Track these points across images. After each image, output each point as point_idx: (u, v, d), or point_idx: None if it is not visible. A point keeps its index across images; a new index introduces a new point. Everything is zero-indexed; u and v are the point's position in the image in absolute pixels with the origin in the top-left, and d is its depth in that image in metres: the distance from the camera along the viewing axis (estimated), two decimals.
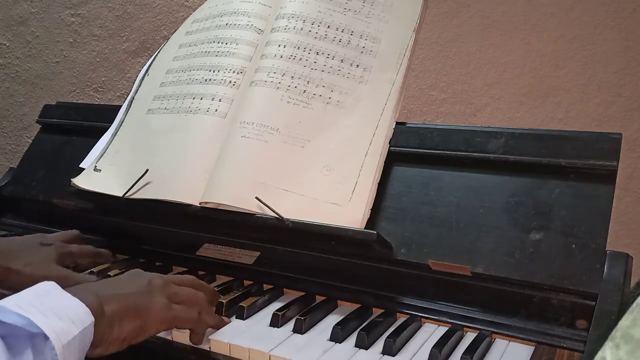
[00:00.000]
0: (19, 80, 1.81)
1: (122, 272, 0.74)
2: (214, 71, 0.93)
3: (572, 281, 0.67)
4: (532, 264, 0.69)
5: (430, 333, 0.71)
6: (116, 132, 0.98)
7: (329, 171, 0.81)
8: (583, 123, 1.30)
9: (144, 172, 0.88)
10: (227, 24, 0.96)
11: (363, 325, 0.71)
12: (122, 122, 0.99)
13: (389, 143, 0.82)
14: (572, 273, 0.67)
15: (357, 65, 0.87)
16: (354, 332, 0.70)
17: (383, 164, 0.80)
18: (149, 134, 0.94)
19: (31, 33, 1.77)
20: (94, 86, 1.73)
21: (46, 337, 0.50)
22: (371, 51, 0.87)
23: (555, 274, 0.68)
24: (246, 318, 0.74)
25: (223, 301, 0.75)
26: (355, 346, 0.68)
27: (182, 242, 0.92)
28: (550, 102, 1.33)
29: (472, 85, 1.39)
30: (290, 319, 0.72)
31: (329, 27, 0.88)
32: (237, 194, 0.80)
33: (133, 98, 1.01)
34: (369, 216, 0.77)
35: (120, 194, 0.88)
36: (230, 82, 0.91)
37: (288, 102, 0.85)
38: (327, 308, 0.77)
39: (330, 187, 0.79)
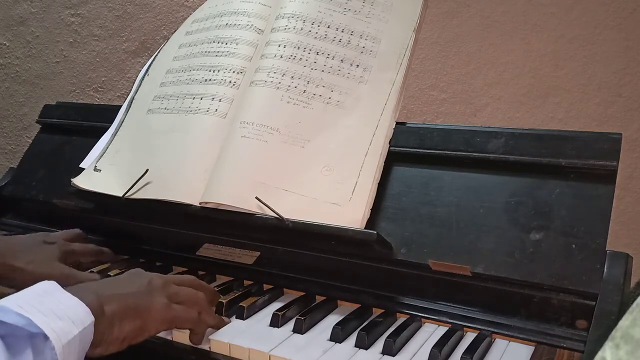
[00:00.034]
0: (19, 80, 1.81)
1: (122, 272, 0.74)
2: (214, 71, 0.93)
3: (572, 281, 0.67)
4: (532, 264, 0.69)
5: (430, 333, 0.71)
6: (116, 132, 0.98)
7: (329, 171, 0.81)
8: (583, 123, 1.30)
9: (144, 172, 0.88)
10: (227, 24, 0.96)
11: (363, 325, 0.71)
12: (122, 122, 0.99)
13: (389, 143, 0.82)
14: (572, 273, 0.67)
15: (357, 65, 0.87)
16: (354, 332, 0.70)
17: (383, 164, 0.80)
18: (149, 134, 0.94)
19: (31, 33, 1.77)
20: (94, 86, 1.73)
21: (46, 337, 0.50)
22: (371, 51, 0.87)
23: (555, 274, 0.68)
24: (246, 318, 0.74)
25: (223, 301, 0.75)
26: (355, 346, 0.68)
27: (182, 242, 0.92)
28: (550, 102, 1.33)
29: (472, 85, 1.39)
30: (290, 319, 0.72)
31: (329, 27, 0.88)
32: (237, 194, 0.80)
33: (133, 98, 1.01)
34: (369, 216, 0.77)
35: (120, 194, 0.88)
36: (230, 82, 0.91)
37: (288, 102, 0.85)
38: (327, 308, 0.77)
39: (330, 187, 0.79)
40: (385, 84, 0.85)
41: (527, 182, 0.74)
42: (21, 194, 1.08)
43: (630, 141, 1.27)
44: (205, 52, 0.96)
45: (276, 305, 0.77)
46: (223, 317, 0.73)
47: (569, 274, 0.67)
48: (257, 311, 0.76)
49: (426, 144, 0.81)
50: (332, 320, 0.73)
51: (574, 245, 0.68)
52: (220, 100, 0.90)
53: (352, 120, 0.84)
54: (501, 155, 0.76)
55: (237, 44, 0.94)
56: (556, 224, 0.70)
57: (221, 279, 0.87)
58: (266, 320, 0.73)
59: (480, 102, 1.38)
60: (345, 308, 0.78)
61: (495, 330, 0.70)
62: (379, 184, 0.79)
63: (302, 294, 0.80)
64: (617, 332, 0.39)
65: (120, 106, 1.03)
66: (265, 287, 0.83)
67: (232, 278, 0.86)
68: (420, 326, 0.73)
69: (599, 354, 0.39)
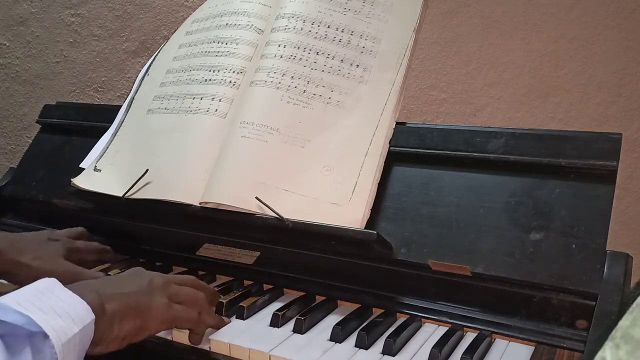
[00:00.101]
0: (19, 80, 1.81)
1: (123, 272, 0.74)
2: (214, 71, 0.93)
3: (572, 281, 0.67)
4: (532, 264, 0.69)
5: (430, 333, 0.71)
6: (116, 132, 0.98)
7: (329, 171, 0.81)
8: (583, 123, 1.30)
9: (144, 172, 0.88)
10: (227, 24, 0.96)
11: (363, 325, 0.71)
12: (122, 122, 0.99)
13: (389, 143, 0.82)
14: (572, 273, 0.67)
15: (357, 65, 0.87)
16: (354, 332, 0.70)
17: (383, 164, 0.80)
18: (149, 134, 0.94)
19: (31, 33, 1.77)
20: (94, 86, 1.73)
21: (46, 336, 0.49)
22: (371, 51, 0.87)
23: (555, 274, 0.68)
24: (246, 318, 0.74)
25: (223, 301, 0.75)
26: (355, 346, 0.68)
27: (182, 242, 0.92)
28: (550, 102, 1.33)
29: (472, 85, 1.39)
30: (290, 319, 0.72)
31: (329, 27, 0.89)
32: (237, 194, 0.80)
33: (133, 98, 1.01)
34: (369, 216, 0.77)
35: (120, 194, 0.88)
36: (230, 82, 0.91)
37: (288, 102, 0.85)
38: (327, 308, 0.77)
39: (330, 187, 0.79)
40: (385, 84, 0.85)
41: (527, 182, 0.74)
42: (21, 194, 1.08)
43: (630, 141, 1.27)
44: (205, 52, 0.96)
45: (276, 305, 0.77)
46: (223, 317, 0.73)
47: (569, 274, 0.67)
48: (257, 311, 0.76)
49: (426, 144, 0.81)
50: (332, 320, 0.73)
51: (574, 245, 0.68)
52: (220, 100, 0.90)
53: (352, 120, 0.84)
54: (501, 155, 0.76)
55: (237, 44, 0.94)
56: (556, 224, 0.70)
57: (221, 279, 0.87)
58: (266, 320, 0.73)
59: (480, 102, 1.38)
60: (345, 308, 0.78)
61: (495, 330, 0.70)
62: (379, 184, 0.79)
63: (302, 294, 0.80)
64: (617, 332, 0.39)
65: (120, 106, 1.03)
66: (265, 287, 0.83)
67: (232, 278, 0.86)
68: (420, 326, 0.73)
69: (599, 354, 0.39)
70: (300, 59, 0.87)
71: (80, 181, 0.93)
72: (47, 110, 1.17)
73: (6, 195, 1.10)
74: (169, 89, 0.97)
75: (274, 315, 0.72)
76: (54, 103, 1.19)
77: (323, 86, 0.86)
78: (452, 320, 0.72)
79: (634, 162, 1.28)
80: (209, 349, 0.68)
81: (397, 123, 0.83)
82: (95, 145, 1.01)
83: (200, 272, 0.88)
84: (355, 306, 0.77)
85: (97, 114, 1.09)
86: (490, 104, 1.38)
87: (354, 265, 0.79)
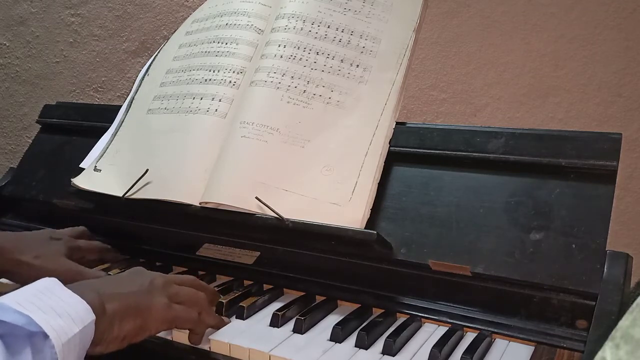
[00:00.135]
0: (19, 80, 1.81)
1: (123, 272, 0.74)
2: (214, 71, 0.93)
3: (572, 281, 0.67)
4: (532, 264, 0.69)
5: (430, 333, 0.71)
6: (116, 132, 0.98)
7: (329, 171, 0.81)
8: (583, 123, 1.30)
9: (144, 172, 0.88)
10: (227, 24, 0.96)
11: (363, 325, 0.71)
12: (122, 122, 0.99)
13: (389, 143, 0.82)
14: (572, 273, 0.67)
15: (357, 65, 0.87)
16: (354, 332, 0.70)
17: (383, 164, 0.80)
18: (149, 134, 0.94)
19: (31, 33, 1.77)
20: (94, 86, 1.73)
21: (46, 336, 0.49)
22: (371, 51, 0.87)
23: (555, 274, 0.68)
24: (246, 318, 0.74)
25: (223, 301, 0.75)
26: (355, 346, 0.68)
27: (182, 242, 0.92)
28: (550, 102, 1.33)
29: (472, 85, 1.39)
30: (290, 319, 0.72)
31: (329, 27, 0.89)
32: (237, 194, 0.80)
33: (133, 98, 1.01)
34: (369, 216, 0.77)
35: (120, 194, 0.88)
36: (230, 82, 0.91)
37: (288, 102, 0.85)
38: (327, 308, 0.77)
39: (330, 187, 0.79)
40: (385, 84, 0.85)
41: (527, 182, 0.74)
42: (21, 194, 1.08)
43: (630, 141, 1.27)
44: (205, 52, 0.96)
45: (276, 305, 0.77)
46: (223, 317, 0.73)
47: (569, 274, 0.67)
48: (257, 311, 0.76)
49: (426, 144, 0.81)
50: (332, 320, 0.73)
51: (574, 245, 0.68)
52: (220, 100, 0.90)
53: (352, 120, 0.84)
54: (501, 155, 0.76)
55: (237, 44, 0.94)
56: (556, 224, 0.70)
57: (221, 279, 0.87)
58: (266, 320, 0.73)
59: (480, 102, 1.38)
60: (345, 308, 0.78)
61: (495, 330, 0.70)
62: (379, 184, 0.79)
63: (302, 294, 0.80)
64: (617, 332, 0.39)
65: (120, 106, 1.03)
66: (265, 287, 0.83)
67: (232, 278, 0.86)
68: (420, 326, 0.73)
69: (599, 354, 0.39)
70: (300, 59, 0.87)
71: (80, 181, 0.93)
72: (47, 110, 1.17)
73: (6, 195, 1.10)
74: (169, 89, 0.97)
75: (274, 315, 0.72)
76: (54, 103, 1.19)
77: (323, 86, 0.86)
78: (452, 320, 0.72)
79: (634, 162, 1.28)
80: (209, 349, 0.68)
81: (397, 123, 0.83)
82: (95, 145, 1.01)
83: (200, 272, 0.88)
84: (355, 306, 0.77)
85: (97, 114, 1.09)
86: (490, 104, 1.38)
87: (354, 265, 0.79)
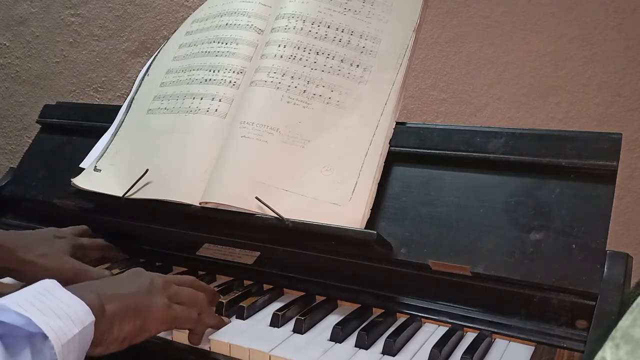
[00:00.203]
0: (19, 80, 1.81)
1: (123, 272, 0.74)
2: (214, 71, 0.93)
3: (572, 281, 0.67)
4: (532, 264, 0.69)
5: (430, 333, 0.71)
6: (116, 132, 0.98)
7: (329, 171, 0.81)
8: (583, 123, 1.30)
9: (144, 172, 0.88)
10: (227, 24, 0.96)
11: (363, 325, 0.71)
12: (122, 122, 0.99)
13: (389, 143, 0.82)
14: (572, 273, 0.67)
15: (357, 65, 0.87)
16: (354, 332, 0.70)
17: (383, 164, 0.80)
18: (149, 134, 0.94)
19: (31, 33, 1.77)
20: (94, 86, 1.73)
21: (45, 337, 0.49)
22: (371, 51, 0.87)
23: (555, 274, 0.68)
24: (246, 318, 0.74)
25: (223, 301, 0.75)
26: (355, 346, 0.68)
27: (182, 242, 0.92)
28: (550, 102, 1.33)
29: (472, 85, 1.39)
30: (290, 319, 0.72)
31: (329, 27, 0.88)
32: (237, 194, 0.80)
33: (133, 98, 1.01)
34: (369, 216, 0.77)
35: (120, 194, 0.88)
36: (230, 82, 0.91)
37: (288, 102, 0.85)
38: (327, 308, 0.77)
39: (330, 187, 0.79)
40: (385, 84, 0.85)
41: (527, 182, 0.74)
42: (21, 194, 1.08)
43: (630, 141, 1.27)
44: (205, 52, 0.96)
45: (276, 305, 0.77)
46: (223, 317, 0.73)
47: (569, 274, 0.67)
48: (257, 311, 0.76)
49: (426, 144, 0.81)
50: (332, 320, 0.73)
51: (574, 245, 0.68)
52: (220, 100, 0.90)
53: (352, 120, 0.84)
54: (501, 155, 0.76)
55: (237, 44, 0.94)
56: (556, 224, 0.70)
57: (221, 279, 0.87)
58: (266, 320, 0.73)
59: (480, 102, 1.38)
60: (345, 308, 0.78)
61: (495, 330, 0.70)
62: (379, 184, 0.79)
63: (302, 294, 0.80)
64: (617, 332, 0.39)
65: (120, 106, 1.03)
66: (265, 287, 0.83)
67: (232, 278, 0.86)
68: (420, 326, 0.73)
69: (599, 354, 0.39)
70: (300, 59, 0.87)
71: (80, 181, 0.93)
72: (47, 110, 1.17)
73: (6, 195, 1.10)
74: (169, 89, 0.97)
75: (274, 315, 0.72)
76: (54, 103, 1.19)
77: (323, 86, 0.86)
78: (452, 320, 0.72)
79: (634, 162, 1.28)
80: (209, 349, 0.68)
81: (397, 123, 0.83)
82: (95, 145, 1.01)
83: (200, 272, 0.88)
84: (355, 306, 0.77)
85: (97, 114, 1.09)
86: (490, 104, 1.38)
87: (354, 265, 0.79)
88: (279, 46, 0.88)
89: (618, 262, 0.66)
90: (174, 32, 1.06)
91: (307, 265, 0.82)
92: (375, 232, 0.73)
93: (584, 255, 0.68)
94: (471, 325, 0.71)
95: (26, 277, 0.78)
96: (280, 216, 0.76)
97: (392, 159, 0.81)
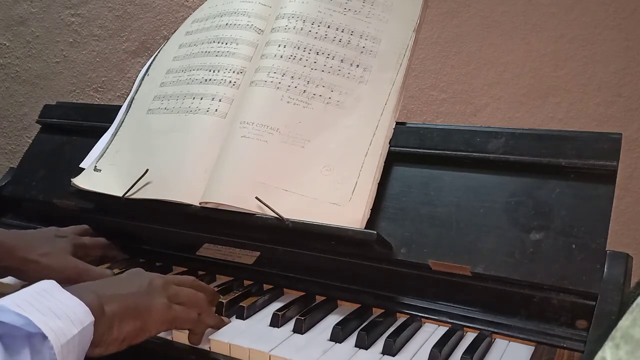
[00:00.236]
0: (19, 80, 1.81)
1: (122, 272, 0.74)
2: (214, 71, 0.93)
3: (572, 281, 0.67)
4: (532, 264, 0.69)
5: (430, 333, 0.71)
6: (116, 132, 0.98)
7: (329, 171, 0.81)
8: (583, 123, 1.30)
9: (144, 172, 0.88)
10: (227, 24, 0.96)
11: (363, 325, 0.71)
12: (122, 122, 0.99)
13: (389, 143, 0.82)
14: (572, 273, 0.67)
15: (357, 65, 0.87)
16: (354, 332, 0.70)
17: (383, 164, 0.80)
18: (149, 134, 0.94)
19: (31, 33, 1.77)
20: (94, 86, 1.73)
21: (44, 337, 0.49)
22: (371, 51, 0.87)
23: (555, 274, 0.68)
24: (246, 318, 0.74)
25: (223, 301, 0.75)
26: (355, 346, 0.68)
27: (182, 242, 0.92)
28: (550, 102, 1.33)
29: (472, 85, 1.39)
30: (290, 319, 0.72)
31: (329, 27, 0.88)
32: (237, 194, 0.80)
33: (133, 98, 1.01)
34: (369, 216, 0.77)
35: (120, 194, 0.88)
36: (230, 82, 0.91)
37: (288, 102, 0.85)
38: (327, 308, 0.77)
39: (330, 187, 0.79)
40: (385, 84, 0.85)
41: (527, 182, 0.74)
42: (21, 194, 1.08)
43: (630, 141, 1.27)
44: (205, 52, 0.96)
45: (276, 305, 0.77)
46: (223, 317, 0.73)
47: (569, 274, 0.67)
48: (257, 311, 0.76)
49: (426, 144, 0.81)
50: (332, 320, 0.73)
51: (574, 245, 0.68)
52: (220, 100, 0.89)
53: (352, 120, 0.84)
54: (501, 155, 0.76)
55: (237, 44, 0.94)
56: (556, 224, 0.70)
57: (221, 279, 0.87)
58: (266, 320, 0.73)
59: (480, 102, 1.38)
60: (345, 308, 0.78)
61: (495, 330, 0.70)
62: (379, 184, 0.79)
63: (302, 294, 0.80)
64: (617, 332, 0.39)
65: (120, 106, 1.03)
66: (265, 287, 0.83)
67: (232, 278, 0.86)
68: (420, 326, 0.73)
69: (599, 354, 0.39)
70: (300, 59, 0.87)
71: (80, 181, 0.93)
72: (47, 110, 1.17)
73: (6, 195, 1.10)
74: (169, 89, 0.97)
75: (274, 315, 0.72)
76: (54, 103, 1.19)
77: (323, 86, 0.86)
78: (452, 320, 0.72)
79: (634, 162, 1.28)
80: (209, 349, 0.68)
81: (397, 123, 0.83)
82: (95, 145, 1.01)
83: (200, 272, 0.88)
84: (355, 306, 0.77)
85: (97, 114, 1.09)
86: (490, 104, 1.38)
87: (354, 265, 0.79)
88: (279, 46, 0.88)
89: (618, 262, 0.66)
90: (174, 32, 1.06)
91: (307, 265, 0.82)
92: (375, 232, 0.73)
93: (584, 255, 0.67)
94: (471, 325, 0.71)
95: (29, 276, 0.78)
96: (280, 216, 0.76)
97: (392, 159, 0.81)
